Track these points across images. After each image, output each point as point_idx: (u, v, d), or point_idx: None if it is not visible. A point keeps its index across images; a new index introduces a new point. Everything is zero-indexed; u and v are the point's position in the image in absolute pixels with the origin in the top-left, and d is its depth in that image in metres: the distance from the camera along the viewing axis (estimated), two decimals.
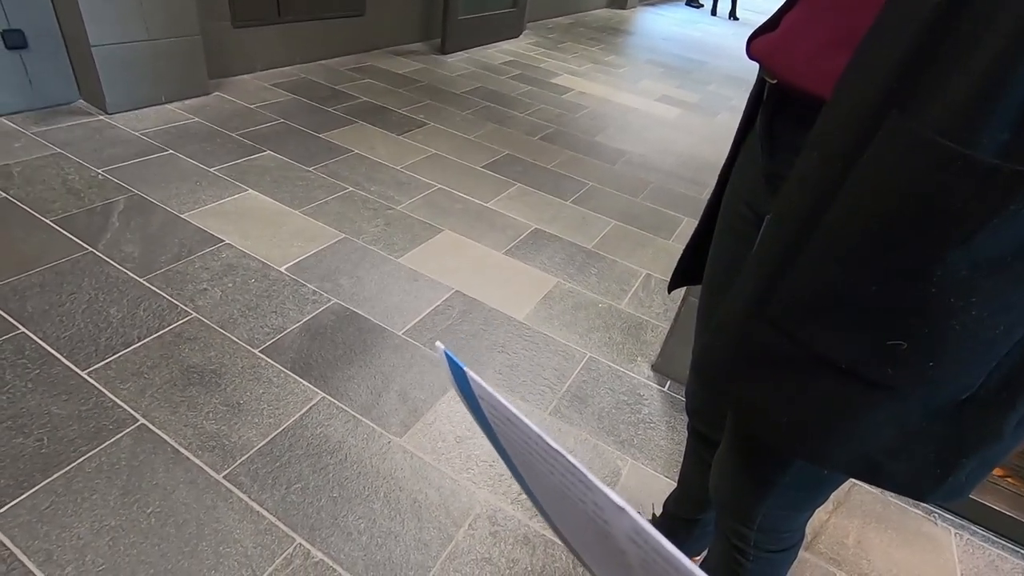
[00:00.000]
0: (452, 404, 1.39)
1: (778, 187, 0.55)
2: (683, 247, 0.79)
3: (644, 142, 3.30)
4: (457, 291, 1.79)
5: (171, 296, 1.56)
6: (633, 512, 0.18)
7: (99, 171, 2.05)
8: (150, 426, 1.21)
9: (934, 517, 1.33)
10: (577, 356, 1.63)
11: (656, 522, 1.10)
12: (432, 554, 1.08)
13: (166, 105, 2.63)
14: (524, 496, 1.22)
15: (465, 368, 0.27)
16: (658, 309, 1.88)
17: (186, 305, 1.54)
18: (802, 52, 0.50)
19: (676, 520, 1.04)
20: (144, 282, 1.59)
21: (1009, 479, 1.30)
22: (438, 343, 0.28)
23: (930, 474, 0.49)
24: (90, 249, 1.67)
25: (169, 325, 1.47)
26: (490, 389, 0.26)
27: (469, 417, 1.37)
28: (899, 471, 0.49)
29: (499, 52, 4.68)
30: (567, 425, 1.41)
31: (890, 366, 0.44)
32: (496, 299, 1.79)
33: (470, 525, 1.14)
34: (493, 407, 0.26)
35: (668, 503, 1.06)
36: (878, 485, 0.51)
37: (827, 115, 0.43)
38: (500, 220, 2.23)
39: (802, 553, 1.20)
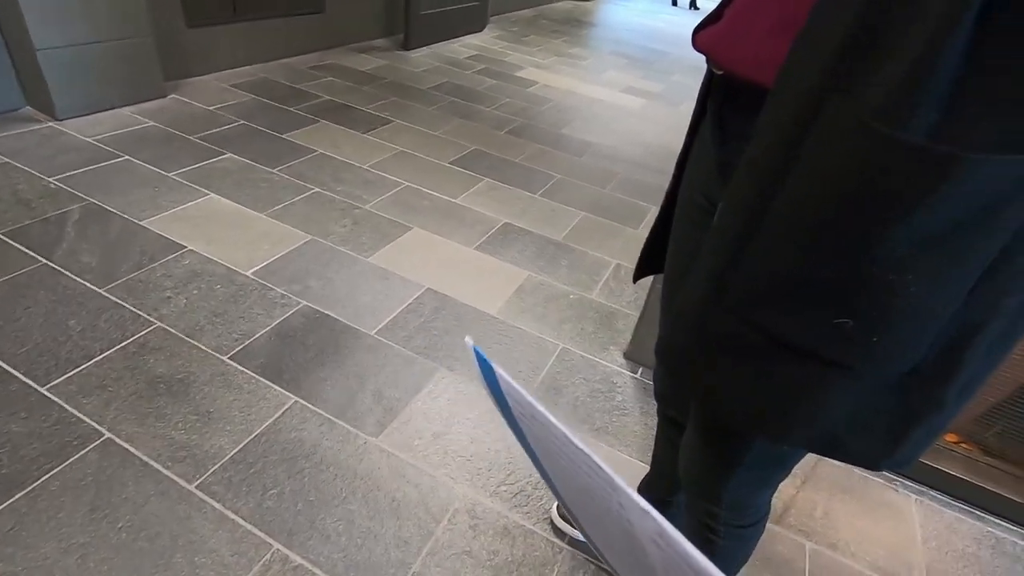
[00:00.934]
0: (428, 401, 1.40)
1: (729, 175, 0.57)
2: None
3: (610, 133, 3.33)
4: (428, 288, 1.78)
5: (133, 306, 1.52)
6: (657, 515, 0.19)
7: (51, 180, 1.98)
8: (117, 439, 1.18)
9: (895, 485, 1.39)
10: (550, 348, 1.64)
11: None
12: (412, 551, 1.08)
13: (120, 109, 2.55)
14: (503, 488, 1.23)
15: (494, 365, 0.27)
16: (629, 298, 1.91)
17: (149, 315, 1.50)
18: (744, 42, 0.51)
19: (650, 502, 1.06)
20: (104, 293, 1.54)
21: (963, 444, 1.37)
22: (467, 339, 0.28)
23: (882, 445, 0.51)
24: (45, 261, 1.62)
25: (132, 336, 1.43)
26: (517, 386, 0.26)
27: (445, 413, 1.37)
28: (855, 444, 0.51)
29: (463, 47, 4.65)
30: None
31: (839, 344, 0.46)
32: (468, 295, 1.79)
33: (449, 520, 1.15)
34: (520, 404, 0.26)
35: (642, 487, 1.09)
36: (836, 458, 0.54)
37: (771, 103, 0.45)
38: (469, 216, 2.23)
39: (773, 526, 1.24)
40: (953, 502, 1.36)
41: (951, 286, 0.42)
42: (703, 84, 0.62)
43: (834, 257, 0.43)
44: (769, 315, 0.48)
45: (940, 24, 0.35)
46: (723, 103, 0.57)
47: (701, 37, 0.56)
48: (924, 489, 1.38)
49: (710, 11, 0.57)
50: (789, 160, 0.43)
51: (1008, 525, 1.33)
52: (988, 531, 1.31)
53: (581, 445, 0.22)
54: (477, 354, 0.29)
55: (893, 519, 1.31)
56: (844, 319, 0.44)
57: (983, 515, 1.34)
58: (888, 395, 0.48)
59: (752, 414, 0.54)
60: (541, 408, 0.25)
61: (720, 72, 0.56)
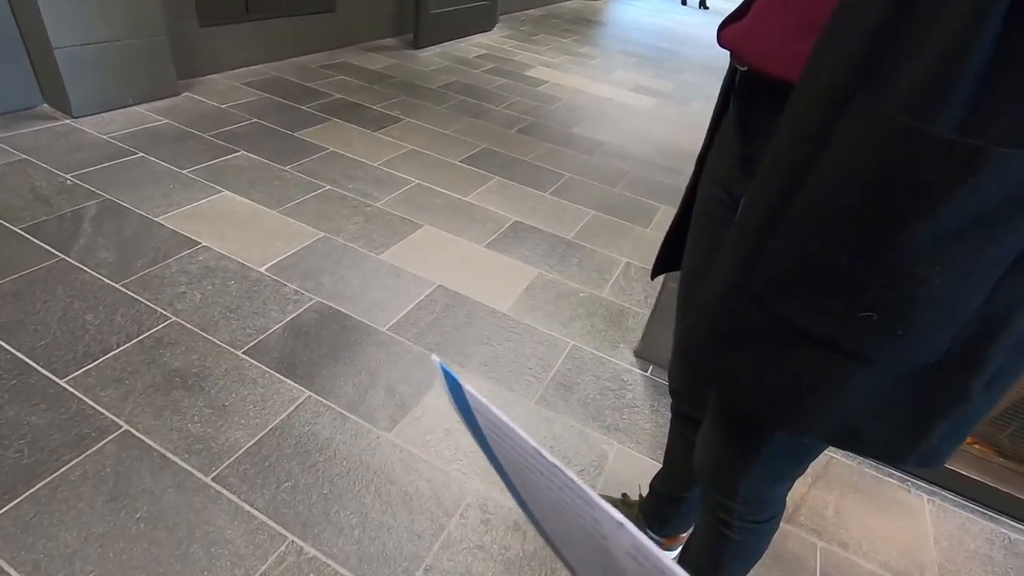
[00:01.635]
0: (439, 397, 1.40)
1: (753, 171, 0.57)
2: (661, 235, 0.81)
3: (620, 132, 3.32)
4: (440, 285, 1.79)
5: (149, 301, 1.54)
6: (632, 528, 0.19)
7: (68, 176, 2.00)
8: (134, 432, 1.20)
9: (907, 485, 1.39)
10: (561, 345, 1.65)
11: (643, 502, 1.13)
12: (425, 544, 1.09)
13: (134, 107, 2.58)
14: None
15: (461, 381, 0.27)
16: (639, 296, 1.91)
17: (165, 309, 1.52)
18: (770, 39, 0.52)
19: (663, 498, 1.07)
20: (120, 288, 1.56)
21: (976, 445, 1.36)
22: (433, 356, 0.29)
23: (905, 438, 0.51)
24: (62, 256, 1.64)
25: (149, 330, 1.45)
26: (486, 402, 0.26)
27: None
28: (876, 437, 0.51)
29: (472, 46, 4.66)
30: (553, 413, 1.43)
31: (863, 336, 0.46)
32: (479, 292, 1.80)
33: (461, 514, 1.16)
34: (489, 420, 0.26)
35: (654, 483, 1.09)
36: (857, 452, 0.54)
37: (796, 99, 0.45)
38: (480, 213, 2.24)
39: (784, 525, 1.24)
40: (966, 502, 1.36)
41: (976, 278, 0.42)
42: (725, 80, 0.63)
43: (859, 250, 0.43)
44: (792, 307, 0.48)
45: (968, 21, 0.35)
46: (747, 99, 0.58)
47: (726, 33, 0.57)
48: (936, 489, 1.38)
49: (735, 7, 0.57)
50: (814, 155, 0.44)
51: (1021, 526, 1.32)
52: (1001, 532, 1.30)
53: (553, 460, 0.22)
54: (444, 371, 0.29)
55: (905, 519, 1.30)
56: (869, 312, 0.44)
57: (996, 516, 1.34)
58: (910, 387, 0.48)
59: (773, 405, 0.54)
60: (511, 424, 0.25)
61: (744, 68, 0.56)
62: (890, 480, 1.39)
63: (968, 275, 0.42)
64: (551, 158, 2.83)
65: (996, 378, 0.47)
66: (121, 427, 1.20)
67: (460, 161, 2.64)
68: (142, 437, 1.19)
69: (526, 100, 3.59)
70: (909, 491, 1.37)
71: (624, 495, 1.21)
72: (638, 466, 1.33)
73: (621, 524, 0.19)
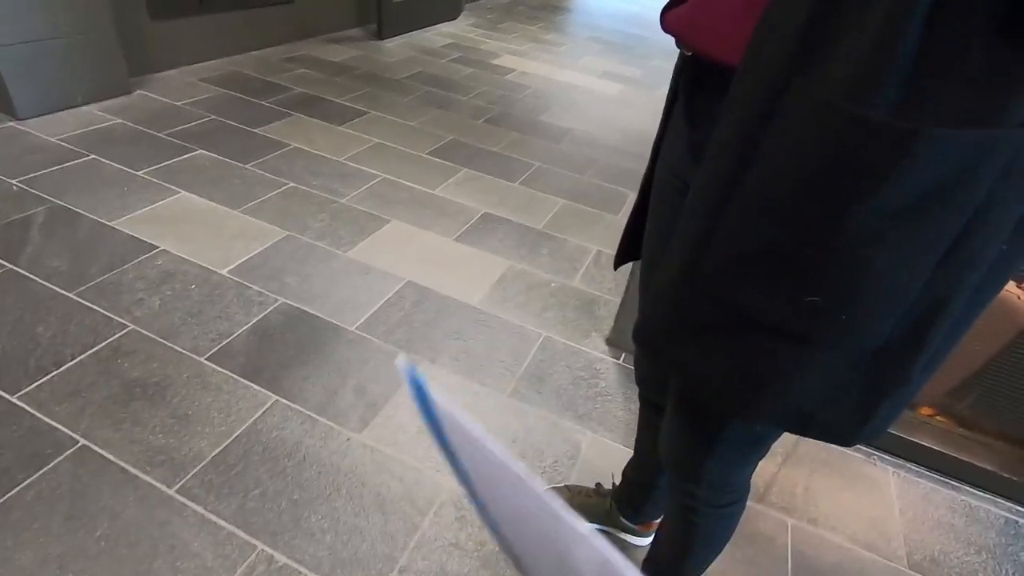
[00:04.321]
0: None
1: (701, 156, 0.56)
2: None
3: (588, 119, 3.31)
4: (409, 281, 1.77)
5: (105, 309, 1.48)
6: (597, 541, 0.18)
7: (13, 182, 1.91)
8: (92, 446, 1.15)
9: (873, 459, 1.42)
10: (533, 336, 1.64)
11: (616, 490, 1.13)
12: (399, 545, 1.08)
13: (84, 107, 2.47)
14: None
15: (427, 387, 0.27)
16: (610, 284, 1.91)
17: (122, 317, 1.47)
18: (712, 23, 0.51)
19: (635, 486, 1.07)
20: (74, 297, 1.50)
21: (937, 417, 1.40)
22: (399, 359, 0.28)
23: (853, 420, 0.52)
24: (10, 266, 1.57)
25: (105, 340, 1.39)
26: (452, 408, 0.25)
27: None
28: (826, 421, 0.52)
29: (437, 35, 4.59)
30: (526, 405, 1.42)
31: (809, 320, 0.46)
32: (449, 286, 1.78)
33: (435, 512, 1.15)
34: (456, 426, 0.26)
35: (627, 471, 1.09)
36: (808, 436, 0.54)
37: (737, 84, 0.45)
38: (448, 206, 2.21)
39: (756, 505, 1.26)
40: (929, 473, 1.40)
41: (918, 259, 0.42)
42: (676, 66, 0.62)
43: (802, 233, 0.43)
44: (740, 293, 0.48)
45: (899, 2, 0.35)
46: (693, 84, 0.57)
47: (669, 18, 0.56)
48: (901, 462, 1.42)
49: None
50: (756, 140, 0.43)
51: (981, 493, 1.36)
52: (962, 500, 1.35)
53: (521, 471, 0.22)
54: (408, 374, 0.28)
55: (872, 492, 1.34)
56: (814, 297, 0.44)
57: (957, 484, 1.38)
58: (856, 371, 0.49)
59: (725, 393, 0.54)
60: (481, 433, 0.24)
61: (689, 53, 0.55)
62: (856, 455, 1.42)
63: (909, 256, 0.42)
64: (519, 147, 2.81)
65: (933, 359, 0.48)
66: (78, 442, 1.16)
67: (427, 153, 2.60)
68: (101, 451, 1.15)
69: (493, 89, 3.55)
70: (875, 465, 1.41)
71: (598, 484, 1.21)
72: (612, 455, 1.33)
73: (585, 536, 0.19)
